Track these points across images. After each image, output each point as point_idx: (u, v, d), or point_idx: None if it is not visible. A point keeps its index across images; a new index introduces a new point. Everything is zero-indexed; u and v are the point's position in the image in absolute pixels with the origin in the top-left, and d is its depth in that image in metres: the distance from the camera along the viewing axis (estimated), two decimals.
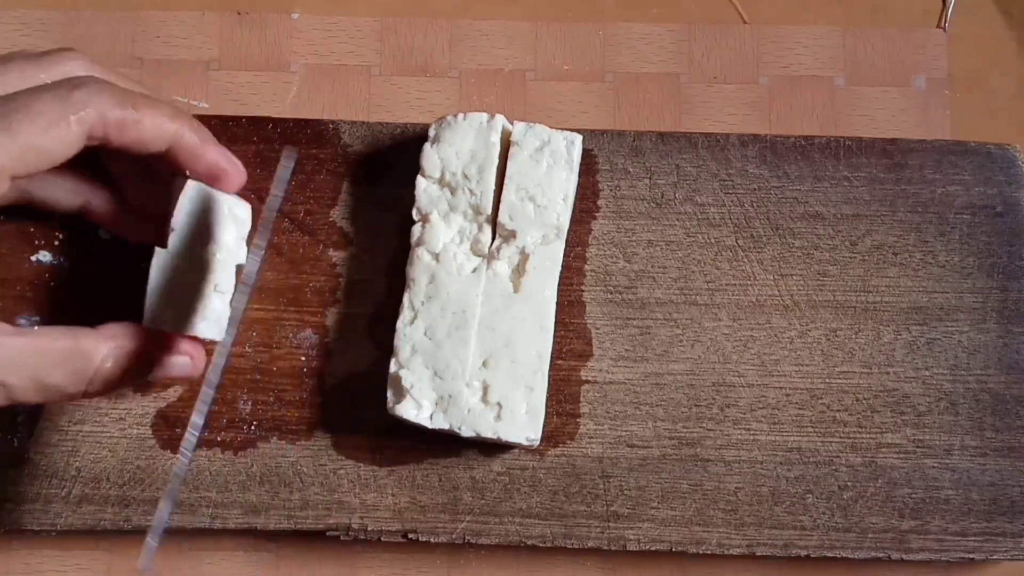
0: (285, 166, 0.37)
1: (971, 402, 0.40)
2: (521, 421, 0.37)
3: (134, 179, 0.38)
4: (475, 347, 0.37)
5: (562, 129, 0.39)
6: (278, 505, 0.39)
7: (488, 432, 0.37)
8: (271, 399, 0.40)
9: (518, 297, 0.38)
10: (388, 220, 0.41)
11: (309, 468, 0.39)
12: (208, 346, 0.37)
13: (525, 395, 0.37)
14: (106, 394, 0.36)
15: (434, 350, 0.37)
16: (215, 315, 0.36)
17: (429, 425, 0.37)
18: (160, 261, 0.36)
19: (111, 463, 0.39)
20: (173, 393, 0.40)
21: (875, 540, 0.39)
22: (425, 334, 0.38)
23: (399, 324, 0.38)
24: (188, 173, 0.36)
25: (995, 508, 0.39)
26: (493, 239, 0.39)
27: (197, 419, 0.35)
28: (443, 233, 0.38)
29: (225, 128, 0.42)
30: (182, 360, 0.36)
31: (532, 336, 0.38)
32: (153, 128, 0.34)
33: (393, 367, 0.38)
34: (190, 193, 0.36)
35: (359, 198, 0.42)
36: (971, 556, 0.39)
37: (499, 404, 0.37)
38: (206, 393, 0.35)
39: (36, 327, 0.34)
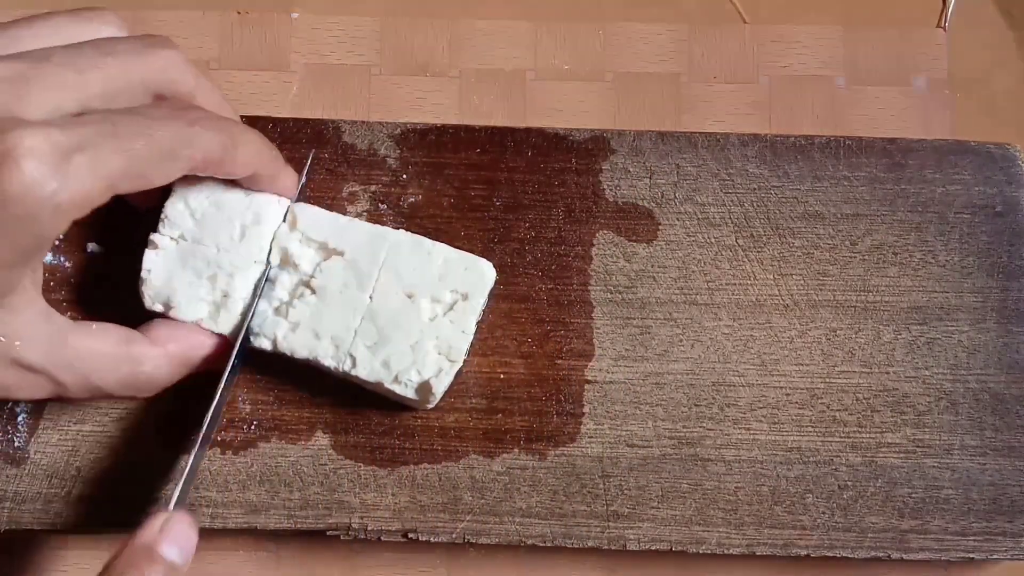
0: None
1: (971, 402, 0.40)
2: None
3: None
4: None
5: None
6: (278, 505, 0.39)
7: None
8: (271, 399, 0.40)
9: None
10: (386, 219, 0.41)
11: (309, 468, 0.39)
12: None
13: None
14: (149, 395, 0.37)
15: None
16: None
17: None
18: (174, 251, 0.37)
19: (111, 463, 0.39)
20: (173, 393, 0.40)
21: (875, 540, 0.39)
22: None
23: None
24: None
25: (995, 508, 0.39)
26: None
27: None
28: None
29: None
30: (220, 357, 0.37)
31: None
32: (242, 166, 0.35)
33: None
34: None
35: (358, 197, 0.42)
36: (971, 556, 0.39)
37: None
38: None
39: (94, 325, 0.34)
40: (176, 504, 0.34)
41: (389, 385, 0.37)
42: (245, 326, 0.37)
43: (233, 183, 0.37)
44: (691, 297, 0.41)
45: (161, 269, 0.37)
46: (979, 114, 0.46)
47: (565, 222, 0.41)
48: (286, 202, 0.38)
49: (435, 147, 0.42)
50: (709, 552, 0.39)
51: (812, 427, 0.40)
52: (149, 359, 0.35)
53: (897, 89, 0.46)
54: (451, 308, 0.38)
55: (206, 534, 0.40)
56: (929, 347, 0.41)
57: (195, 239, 0.37)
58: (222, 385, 0.37)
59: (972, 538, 0.39)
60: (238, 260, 0.37)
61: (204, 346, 0.37)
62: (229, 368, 0.37)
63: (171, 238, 0.37)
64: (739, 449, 0.40)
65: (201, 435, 0.36)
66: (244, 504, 0.39)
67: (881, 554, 0.39)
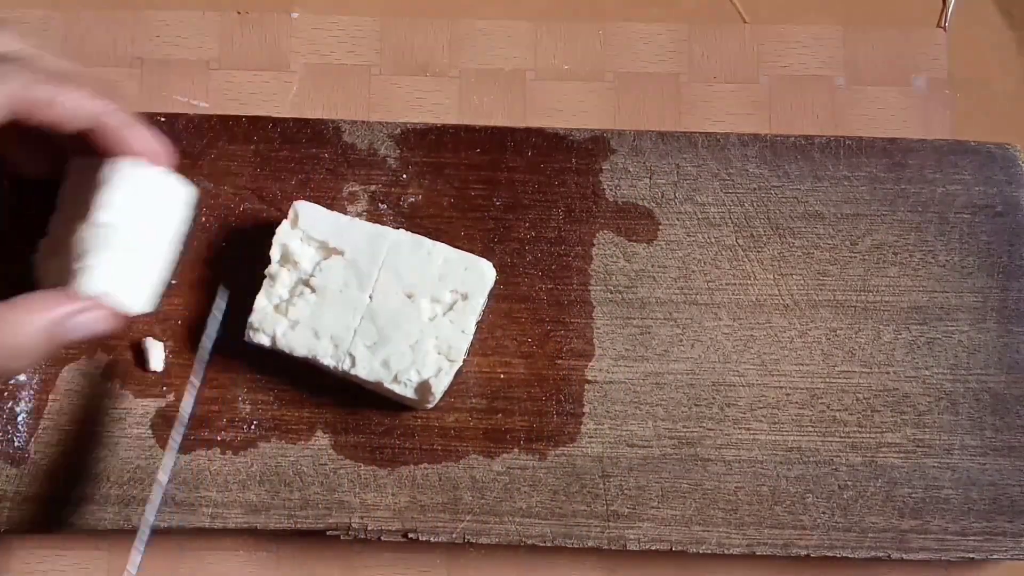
0: (219, 306, 0.39)
1: (971, 401, 0.40)
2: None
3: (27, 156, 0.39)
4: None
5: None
6: (278, 505, 0.39)
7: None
8: (271, 399, 0.40)
9: None
10: (386, 219, 0.41)
11: (309, 468, 0.39)
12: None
13: None
14: (28, 367, 0.37)
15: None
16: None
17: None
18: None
19: (111, 463, 0.39)
20: (173, 393, 0.40)
21: (875, 540, 0.39)
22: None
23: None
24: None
25: (995, 508, 0.39)
26: None
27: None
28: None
29: (225, 128, 0.42)
30: (90, 317, 0.35)
31: None
32: (72, 108, 0.34)
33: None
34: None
35: (358, 197, 0.42)
36: (971, 556, 0.39)
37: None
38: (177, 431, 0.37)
39: None
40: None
41: (389, 385, 0.37)
42: (205, 332, 0.38)
43: (98, 171, 0.36)
44: (691, 297, 0.41)
45: (40, 267, 0.38)
46: (979, 114, 0.46)
47: (565, 222, 0.41)
48: (141, 162, 0.36)
49: (435, 147, 0.42)
50: (709, 552, 0.39)
51: (812, 427, 0.40)
52: (20, 329, 0.33)
53: (897, 89, 0.46)
54: (451, 308, 0.38)
55: (206, 534, 0.40)
56: (929, 347, 0.41)
57: (54, 229, 0.38)
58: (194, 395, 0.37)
59: (972, 538, 0.39)
60: (80, 220, 0.36)
61: (70, 306, 0.34)
62: (202, 373, 0.37)
63: (44, 242, 0.38)
64: (739, 449, 0.40)
65: (178, 444, 0.36)
66: (244, 504, 0.39)
67: (881, 554, 0.39)
